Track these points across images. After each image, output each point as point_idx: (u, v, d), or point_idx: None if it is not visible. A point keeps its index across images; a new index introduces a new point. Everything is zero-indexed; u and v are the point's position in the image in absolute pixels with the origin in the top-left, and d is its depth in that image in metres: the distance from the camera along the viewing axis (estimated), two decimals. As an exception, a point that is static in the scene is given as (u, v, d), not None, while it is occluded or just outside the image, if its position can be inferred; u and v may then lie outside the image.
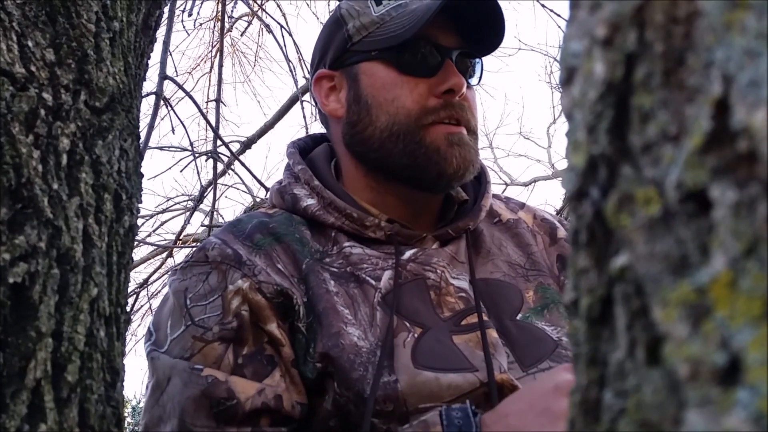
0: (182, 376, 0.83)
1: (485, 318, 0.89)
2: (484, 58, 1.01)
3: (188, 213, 4.01)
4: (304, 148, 1.05)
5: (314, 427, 0.85)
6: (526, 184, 8.24)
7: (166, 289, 0.95)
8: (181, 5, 3.33)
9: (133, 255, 0.69)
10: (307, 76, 3.78)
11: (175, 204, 5.40)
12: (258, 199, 3.75)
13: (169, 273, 0.98)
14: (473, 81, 0.99)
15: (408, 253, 0.92)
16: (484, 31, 0.95)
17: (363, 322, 0.86)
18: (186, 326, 0.86)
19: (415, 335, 0.85)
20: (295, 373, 0.85)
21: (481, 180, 1.03)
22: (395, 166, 0.93)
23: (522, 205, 1.11)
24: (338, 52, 0.98)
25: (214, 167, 3.21)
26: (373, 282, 0.89)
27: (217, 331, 0.84)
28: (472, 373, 0.83)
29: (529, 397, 0.77)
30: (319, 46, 1.03)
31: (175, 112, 2.88)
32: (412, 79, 0.93)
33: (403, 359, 0.83)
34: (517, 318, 0.92)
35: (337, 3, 1.07)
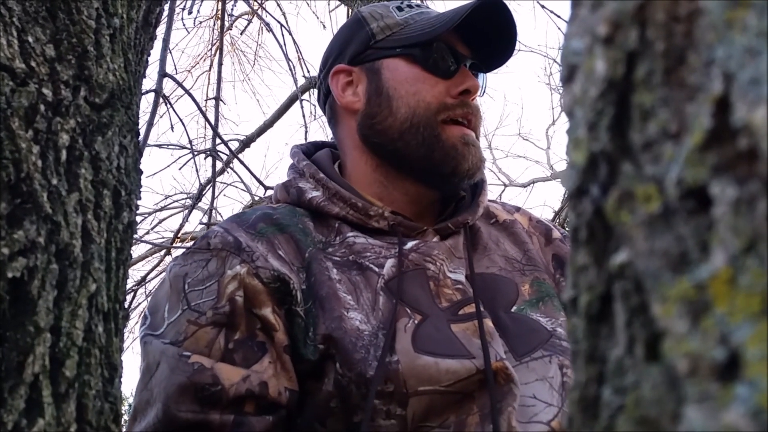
0: (170, 363, 0.84)
1: (481, 309, 0.91)
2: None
3: (187, 211, 4.01)
4: (306, 152, 1.08)
5: (313, 410, 0.86)
6: (524, 185, 8.24)
7: (164, 274, 0.96)
8: (182, 3, 3.33)
9: (131, 252, 0.69)
10: (307, 75, 3.79)
11: (174, 202, 5.40)
12: (257, 198, 3.75)
13: (171, 259, 1.00)
14: (478, 92, 1.03)
15: (410, 244, 0.95)
16: (494, 48, 1.02)
17: (365, 306, 0.88)
18: (182, 310, 0.87)
19: (416, 321, 0.87)
20: (287, 359, 0.86)
21: None
22: (412, 158, 0.97)
23: (517, 209, 1.14)
24: (360, 48, 1.02)
25: (213, 165, 3.21)
26: (376, 269, 0.92)
27: (210, 316, 0.86)
28: (469, 360, 0.85)
29: None
30: (337, 44, 1.07)
31: (174, 110, 2.88)
32: (432, 77, 0.98)
33: (403, 342, 0.85)
34: (512, 310, 0.94)
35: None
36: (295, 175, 1.02)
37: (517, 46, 1.04)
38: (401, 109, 0.97)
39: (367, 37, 1.02)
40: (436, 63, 0.98)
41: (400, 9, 1.03)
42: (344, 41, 1.05)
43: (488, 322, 0.90)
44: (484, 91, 1.06)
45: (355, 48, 1.03)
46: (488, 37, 1.00)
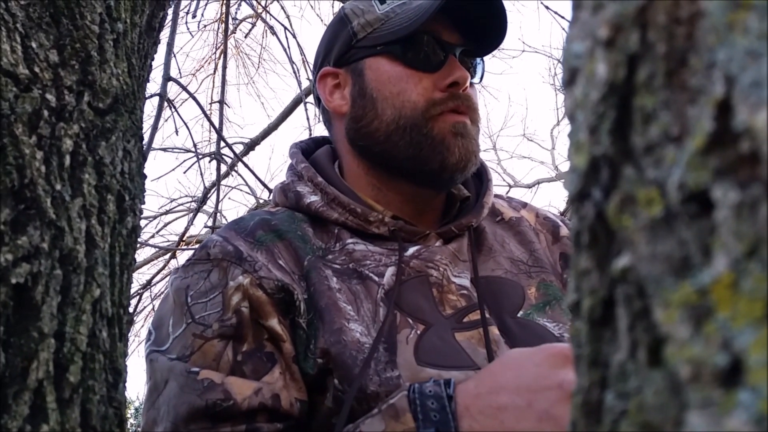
0: (179, 380, 0.83)
1: (487, 315, 0.89)
2: (487, 60, 1.02)
3: (191, 214, 4.02)
4: (306, 150, 1.06)
5: (316, 426, 0.85)
6: (529, 186, 8.23)
7: (167, 289, 0.95)
8: (186, 7, 3.34)
9: (135, 256, 0.69)
10: (311, 78, 3.79)
11: (179, 205, 5.41)
12: (261, 201, 3.76)
13: (172, 271, 0.99)
14: (475, 79, 0.99)
15: (411, 250, 0.92)
16: (486, 30, 0.96)
17: (365, 318, 0.86)
18: (187, 324, 0.86)
19: (418, 332, 0.85)
20: (296, 369, 0.84)
21: (482, 178, 1.04)
22: (399, 160, 0.93)
23: (524, 205, 1.11)
24: (343, 49, 0.99)
25: (218, 169, 3.22)
26: (376, 278, 0.89)
27: (217, 328, 0.84)
28: (474, 370, 0.82)
29: (526, 392, 0.70)
30: (323, 45, 1.04)
31: (178, 114, 2.88)
32: (416, 73, 0.93)
33: (405, 355, 0.83)
34: (518, 315, 0.92)
35: (341, 4, 1.09)
36: (294, 178, 1.00)
37: (514, 38, 0.99)
38: (387, 111, 0.93)
39: (348, 37, 0.98)
40: (419, 58, 0.93)
41: (382, 1, 0.97)
42: (329, 42, 1.02)
43: (494, 330, 0.87)
44: (482, 77, 1.02)
45: (339, 49, 0.99)
46: (477, 18, 0.94)
